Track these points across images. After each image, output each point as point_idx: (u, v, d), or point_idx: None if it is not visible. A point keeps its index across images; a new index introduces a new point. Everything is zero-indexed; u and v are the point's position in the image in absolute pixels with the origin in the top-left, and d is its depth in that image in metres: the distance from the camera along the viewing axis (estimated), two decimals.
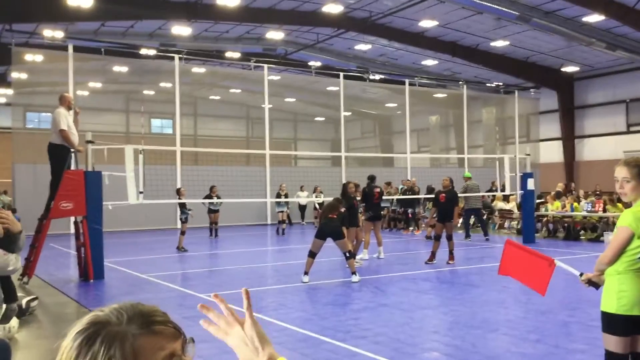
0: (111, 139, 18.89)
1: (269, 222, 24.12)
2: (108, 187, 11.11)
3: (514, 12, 19.49)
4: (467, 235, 17.14)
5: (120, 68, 24.57)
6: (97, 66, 23.83)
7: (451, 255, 11.99)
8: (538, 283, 3.94)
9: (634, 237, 3.37)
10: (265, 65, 22.83)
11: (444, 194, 12.21)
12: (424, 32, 23.85)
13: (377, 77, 26.54)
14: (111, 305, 1.02)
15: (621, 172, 3.44)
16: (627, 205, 3.58)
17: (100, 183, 10.54)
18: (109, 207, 11.27)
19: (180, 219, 15.45)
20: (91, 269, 10.20)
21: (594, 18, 20.25)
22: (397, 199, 20.17)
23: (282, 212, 19.84)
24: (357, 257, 11.73)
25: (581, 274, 3.73)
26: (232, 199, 17.92)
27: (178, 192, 15.35)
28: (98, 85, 28.21)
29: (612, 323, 3.46)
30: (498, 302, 8.11)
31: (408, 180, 20.46)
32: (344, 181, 12.89)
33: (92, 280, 10.13)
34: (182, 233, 14.89)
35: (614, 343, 3.46)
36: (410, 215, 20.12)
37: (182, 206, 15.00)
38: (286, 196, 19.60)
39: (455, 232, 13.11)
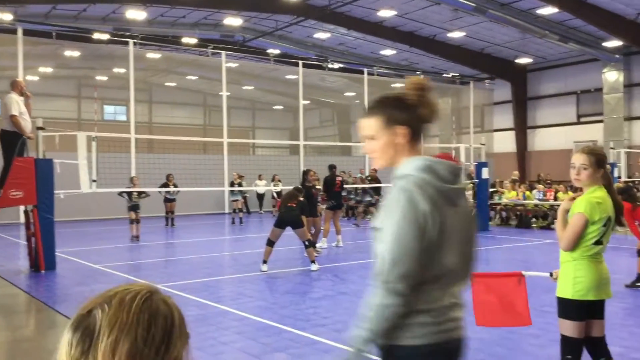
0: (63, 126, 18.30)
1: (227, 210, 23.92)
2: (60, 175, 10.78)
3: (470, 3, 19.75)
4: None
5: (72, 53, 23.80)
6: (47, 50, 23.03)
7: None
8: (518, 314, 3.98)
9: (588, 223, 3.48)
10: (223, 52, 22.50)
11: None
12: (382, 22, 23.94)
13: (336, 66, 26.53)
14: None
15: (579, 159, 3.56)
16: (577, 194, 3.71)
17: (51, 171, 10.23)
18: (60, 195, 10.95)
19: (128, 208, 14.84)
20: (42, 260, 9.92)
21: (548, 10, 20.70)
22: (363, 188, 20.34)
23: (236, 200, 19.82)
24: (317, 245, 11.75)
25: (551, 274, 3.87)
26: (189, 187, 17.68)
27: (131, 180, 15.02)
28: (49, 70, 27.29)
29: (567, 308, 3.57)
30: None
31: (374, 170, 20.55)
32: (302, 170, 12.87)
33: (43, 271, 9.86)
34: (132, 222, 14.53)
35: (569, 328, 3.57)
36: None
37: (129, 195, 14.67)
38: (240, 185, 19.52)
39: None
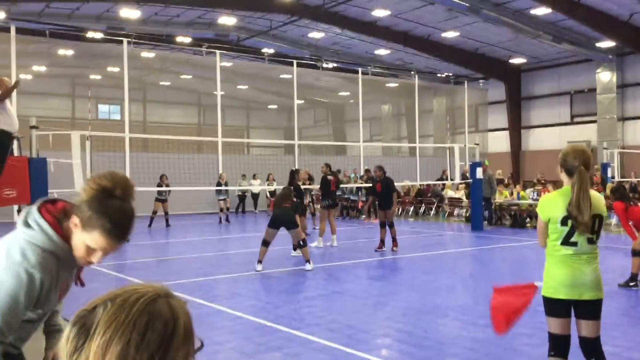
0: (56, 125, 18.24)
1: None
2: (54, 174, 10.74)
3: (464, 3, 19.78)
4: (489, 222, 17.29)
5: (66, 51, 23.70)
6: (41, 49, 22.91)
7: (394, 242, 12.19)
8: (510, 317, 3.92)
9: (549, 222, 3.57)
10: (218, 51, 22.45)
11: (379, 183, 12.37)
12: (376, 22, 23.95)
13: (331, 65, 26.52)
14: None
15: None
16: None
17: (45, 170, 10.18)
18: (54, 195, 10.90)
19: None
20: None
21: (542, 11, 20.75)
22: (361, 188, 20.38)
23: (223, 200, 20.05)
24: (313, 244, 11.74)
25: None
26: (183, 186, 17.64)
27: None
28: (42, 68, 27.18)
29: (545, 305, 3.67)
30: (448, 288, 8.27)
31: (368, 169, 20.53)
32: (291, 169, 12.94)
33: None
34: None
35: (550, 324, 3.67)
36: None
37: None
38: (226, 184, 19.68)
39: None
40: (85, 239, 1.91)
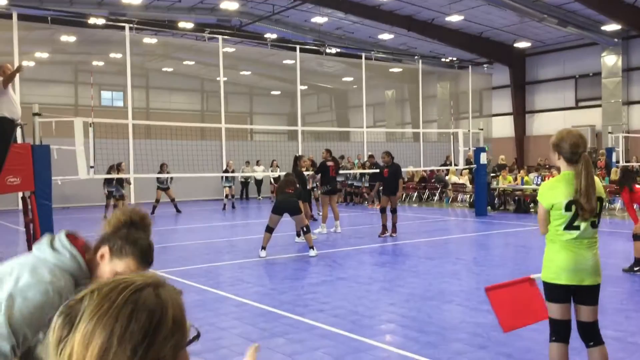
0: (59, 112, 18.26)
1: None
2: (57, 161, 10.74)
3: None
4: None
5: (68, 38, 23.61)
6: (43, 36, 22.84)
7: (394, 228, 12.24)
8: (536, 311, 3.92)
9: (551, 209, 3.54)
10: (220, 37, 22.34)
11: (387, 169, 12.37)
12: (380, 6, 23.75)
13: (334, 50, 26.37)
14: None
15: None
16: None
17: (48, 157, 10.17)
18: (58, 182, 10.92)
19: (114, 196, 15.39)
20: None
21: None
22: (364, 174, 20.34)
23: (229, 187, 20.13)
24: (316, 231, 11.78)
25: None
26: (186, 173, 17.63)
27: (118, 167, 15.07)
28: (45, 55, 27.09)
29: (546, 290, 3.67)
30: (452, 274, 8.28)
31: (371, 155, 20.49)
32: (295, 155, 13.17)
33: None
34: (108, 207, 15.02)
35: (550, 309, 3.67)
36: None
37: (119, 182, 14.92)
38: (233, 172, 19.72)
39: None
40: (116, 266, 2.05)
